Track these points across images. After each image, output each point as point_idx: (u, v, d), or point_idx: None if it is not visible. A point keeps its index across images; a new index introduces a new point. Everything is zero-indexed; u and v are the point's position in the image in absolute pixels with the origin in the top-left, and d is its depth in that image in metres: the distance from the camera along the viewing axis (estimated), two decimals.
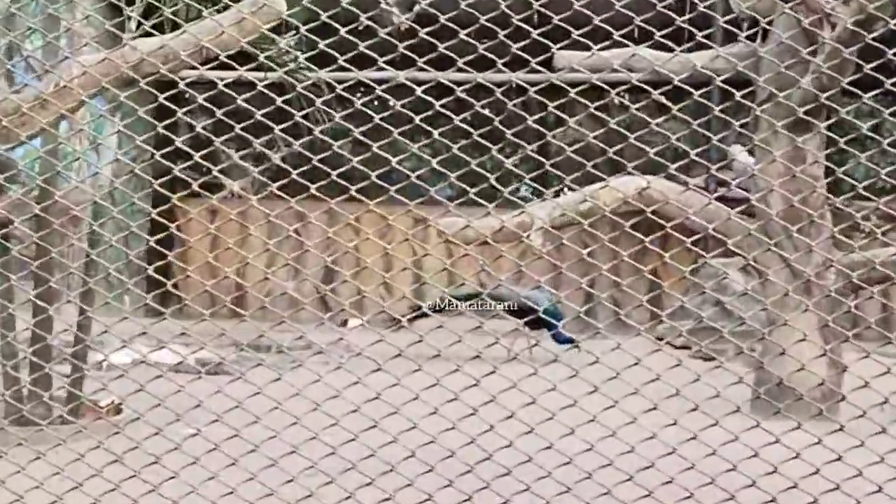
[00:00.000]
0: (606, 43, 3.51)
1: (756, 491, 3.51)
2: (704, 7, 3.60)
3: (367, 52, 3.49)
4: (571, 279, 4.00)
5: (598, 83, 3.56)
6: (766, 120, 5.93)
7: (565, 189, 10.31)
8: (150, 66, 4.41)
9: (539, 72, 3.82)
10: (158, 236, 3.94)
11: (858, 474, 3.45)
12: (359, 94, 4.25)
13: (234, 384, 3.69)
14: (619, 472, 3.57)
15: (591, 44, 3.52)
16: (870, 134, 4.13)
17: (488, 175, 3.63)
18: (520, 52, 3.40)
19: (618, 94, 3.74)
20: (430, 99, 3.58)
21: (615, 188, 6.49)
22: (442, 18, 3.46)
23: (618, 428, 3.57)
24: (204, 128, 3.91)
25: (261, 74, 5.11)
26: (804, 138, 6.90)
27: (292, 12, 5.00)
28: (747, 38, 6.45)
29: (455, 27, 3.42)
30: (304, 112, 3.98)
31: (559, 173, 3.98)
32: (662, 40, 3.44)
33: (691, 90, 3.69)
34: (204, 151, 3.92)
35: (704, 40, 3.72)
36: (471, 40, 3.47)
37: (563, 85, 3.58)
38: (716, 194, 10.28)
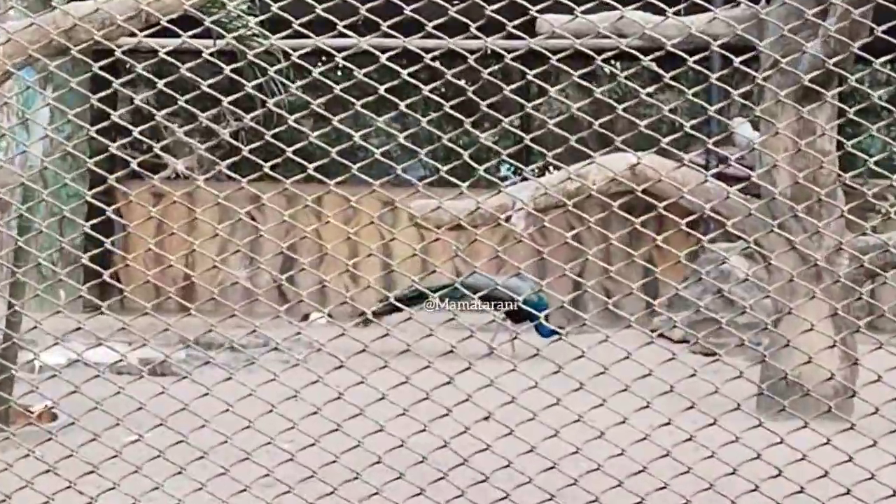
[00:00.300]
0: (592, 4, 3.52)
1: (758, 496, 3.54)
2: None
3: (326, 15, 3.49)
4: (557, 266, 4.01)
5: (584, 49, 3.57)
6: (771, 89, 5.96)
7: (549, 167, 10.34)
8: (85, 32, 4.40)
9: (518, 37, 3.83)
10: (95, 221, 3.94)
11: (871, 477, 3.49)
12: (318, 63, 4.26)
13: (180, 385, 3.69)
14: (608, 478, 3.60)
15: (575, 6, 3.53)
16: (884, 104, 4.17)
17: (463, 152, 3.65)
18: (496, 15, 3.41)
19: (606, 61, 3.76)
20: (396, 67, 3.59)
21: (604, 165, 6.53)
22: None
23: (606, 429, 3.59)
24: (145, 101, 3.91)
25: (208, 42, 5.09)
26: (811, 107, 6.95)
27: None
28: None
29: None
30: (256, 82, 3.97)
31: (542, 149, 4.00)
32: (655, 2, 3.46)
33: (687, 57, 3.71)
34: (145, 126, 3.91)
35: (701, 1, 3.75)
36: (442, 2, 3.48)
37: (544, 51, 3.59)
38: (714, 170, 10.34)
